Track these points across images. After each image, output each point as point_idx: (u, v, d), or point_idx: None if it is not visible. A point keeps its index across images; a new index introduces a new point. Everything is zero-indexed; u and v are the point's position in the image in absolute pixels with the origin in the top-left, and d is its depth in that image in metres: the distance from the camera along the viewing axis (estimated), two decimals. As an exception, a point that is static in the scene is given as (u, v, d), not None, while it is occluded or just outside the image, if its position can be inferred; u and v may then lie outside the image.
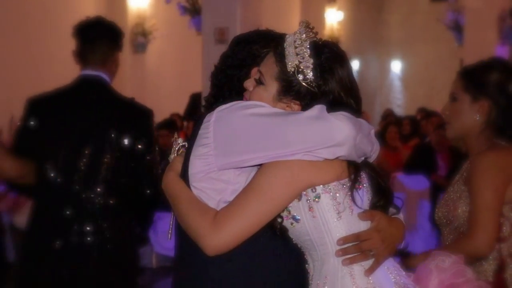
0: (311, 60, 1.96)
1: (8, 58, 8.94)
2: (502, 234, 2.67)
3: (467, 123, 2.77)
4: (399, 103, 14.97)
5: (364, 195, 1.97)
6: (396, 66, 15.41)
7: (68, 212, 3.32)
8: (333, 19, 13.57)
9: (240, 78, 2.12)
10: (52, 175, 3.40)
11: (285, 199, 1.92)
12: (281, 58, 1.99)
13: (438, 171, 7.57)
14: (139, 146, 3.39)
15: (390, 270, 1.98)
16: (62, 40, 9.83)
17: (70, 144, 3.41)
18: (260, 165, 1.94)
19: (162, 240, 6.66)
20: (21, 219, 7.55)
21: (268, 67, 2.02)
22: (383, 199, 2.00)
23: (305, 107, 1.95)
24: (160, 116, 5.71)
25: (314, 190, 1.92)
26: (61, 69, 9.62)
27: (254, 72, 2.07)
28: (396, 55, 15.32)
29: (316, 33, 2.03)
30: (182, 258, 2.09)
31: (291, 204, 1.94)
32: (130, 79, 10.67)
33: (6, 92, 8.90)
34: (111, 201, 3.34)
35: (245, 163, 1.93)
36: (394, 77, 15.41)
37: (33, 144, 3.45)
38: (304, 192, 1.92)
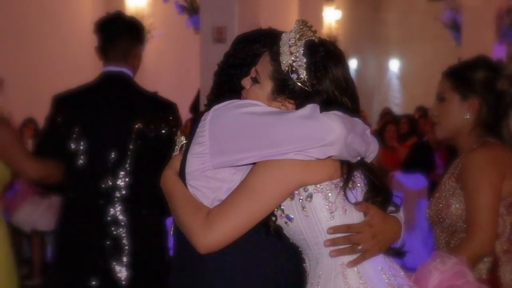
0: (305, 59, 1.96)
1: (7, 57, 8.93)
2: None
3: (457, 122, 2.77)
4: (397, 102, 14.97)
5: (358, 194, 1.97)
6: (394, 65, 15.41)
7: (100, 203, 3.45)
8: (331, 18, 13.55)
9: (240, 77, 2.12)
10: (80, 169, 3.49)
11: (276, 198, 1.92)
12: (275, 57, 2.00)
13: (436, 169, 7.58)
14: (163, 138, 3.46)
15: (384, 271, 1.97)
16: (60, 39, 9.83)
17: (97, 139, 3.50)
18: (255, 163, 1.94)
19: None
20: (19, 218, 7.55)
21: (263, 66, 2.03)
22: (379, 196, 1.99)
23: (299, 106, 1.96)
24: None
25: (306, 189, 1.92)
26: (60, 68, 9.62)
27: (253, 71, 2.08)
28: (394, 54, 15.31)
29: (315, 32, 2.03)
30: (180, 256, 2.10)
31: (284, 203, 1.94)
32: (128, 78, 10.67)
33: (4, 92, 8.88)
34: (137, 191, 3.44)
35: (239, 162, 1.94)
36: (392, 76, 15.41)
37: (60, 140, 3.52)
38: (297, 192, 1.92)
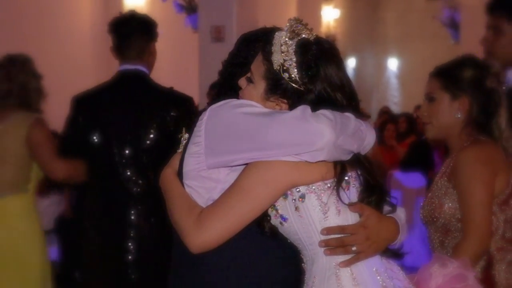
0: (295, 58, 1.94)
1: (5, 56, 8.91)
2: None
3: (448, 122, 2.78)
4: (396, 100, 14.96)
5: (354, 195, 1.95)
6: (393, 64, 15.40)
7: (121, 198, 3.53)
8: (330, 17, 13.55)
9: (241, 76, 2.12)
10: (100, 166, 3.62)
11: (267, 199, 1.92)
12: (268, 56, 1.98)
13: (435, 168, 7.57)
14: (180, 132, 3.56)
15: (379, 272, 1.96)
16: (59, 39, 9.82)
17: (115, 136, 3.60)
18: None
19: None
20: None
21: (257, 66, 2.02)
22: (374, 195, 1.98)
23: (292, 105, 1.94)
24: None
25: (298, 190, 1.91)
26: (58, 67, 9.61)
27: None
28: (392, 52, 15.30)
29: (311, 29, 2.01)
30: (178, 255, 2.10)
31: (278, 204, 1.94)
32: (126, 77, 10.66)
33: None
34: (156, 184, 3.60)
35: (232, 163, 1.93)
36: (390, 74, 15.40)
37: (81, 139, 3.65)
38: (289, 192, 1.92)
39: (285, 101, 1.97)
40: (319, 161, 1.88)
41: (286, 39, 1.97)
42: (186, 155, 2.03)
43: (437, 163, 7.65)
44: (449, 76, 2.78)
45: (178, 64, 10.67)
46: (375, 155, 2.08)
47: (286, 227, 1.96)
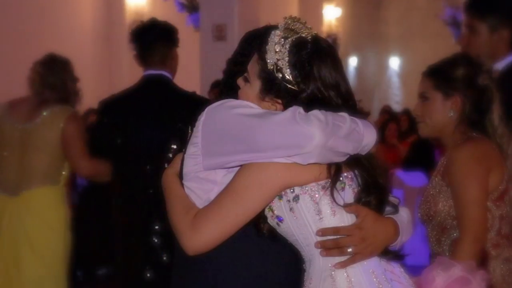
0: (288, 57, 1.91)
1: (6, 56, 8.92)
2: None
3: (442, 120, 2.79)
4: (398, 99, 14.95)
5: (349, 195, 1.92)
6: (395, 63, 15.39)
7: (143, 202, 3.63)
8: (331, 15, 13.54)
9: (241, 75, 2.09)
10: (125, 168, 3.78)
11: (260, 200, 1.90)
12: (262, 55, 1.95)
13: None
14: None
15: (375, 274, 1.93)
16: (60, 38, 9.82)
17: (140, 139, 3.75)
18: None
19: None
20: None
21: (252, 65, 2.00)
22: (372, 196, 1.94)
23: (286, 105, 1.92)
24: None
25: (292, 190, 1.89)
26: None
27: None
28: (394, 51, 15.29)
29: (310, 28, 1.98)
30: (178, 255, 2.08)
31: (274, 204, 1.92)
32: (128, 75, 10.65)
33: (4, 90, 8.88)
34: None
35: (227, 164, 1.92)
36: (392, 73, 15.39)
37: (107, 142, 3.87)
38: (284, 192, 1.90)
39: (280, 101, 1.95)
40: (311, 163, 1.86)
41: (281, 38, 1.94)
42: (186, 156, 2.02)
43: (438, 162, 7.65)
44: (441, 75, 2.79)
45: (179, 62, 10.65)
46: (376, 150, 2.04)
47: (283, 228, 1.94)
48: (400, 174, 7.56)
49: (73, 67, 4.32)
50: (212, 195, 1.94)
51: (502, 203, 2.70)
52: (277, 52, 1.92)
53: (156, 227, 3.72)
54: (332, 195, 1.89)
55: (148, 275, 3.77)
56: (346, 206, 1.90)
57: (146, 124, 3.79)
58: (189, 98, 3.85)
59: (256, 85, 1.98)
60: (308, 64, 1.92)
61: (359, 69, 14.80)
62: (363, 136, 1.92)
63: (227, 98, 2.01)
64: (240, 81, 2.05)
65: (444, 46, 13.19)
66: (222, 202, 1.90)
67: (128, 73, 10.61)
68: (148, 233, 3.74)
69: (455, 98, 2.74)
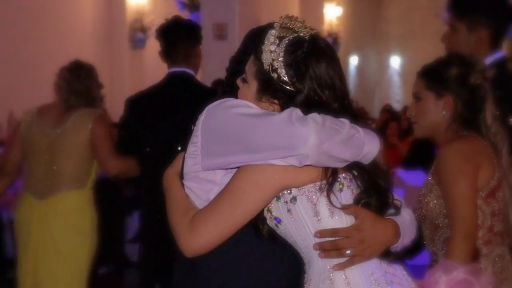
0: (284, 58, 1.88)
1: (6, 55, 8.92)
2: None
3: (434, 120, 2.80)
4: (398, 98, 14.96)
5: (348, 196, 1.90)
6: (395, 62, 15.40)
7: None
8: (332, 14, 13.54)
9: (241, 74, 2.06)
10: (149, 164, 3.89)
11: (257, 202, 1.88)
12: (258, 55, 1.92)
13: (437, 166, 7.56)
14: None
15: (374, 276, 1.90)
16: (61, 36, 9.82)
17: (164, 135, 3.88)
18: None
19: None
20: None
21: (249, 65, 1.97)
22: (372, 197, 1.92)
23: (283, 106, 1.89)
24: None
25: (289, 192, 1.88)
26: (59, 66, 9.59)
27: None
28: (395, 50, 15.30)
29: (309, 27, 1.94)
30: (179, 256, 2.05)
31: (272, 206, 1.90)
32: (129, 74, 10.66)
33: (5, 89, 8.88)
34: None
35: (226, 166, 1.90)
36: (393, 72, 15.40)
37: (134, 138, 4.06)
38: (281, 194, 1.88)
39: (276, 101, 1.92)
40: (306, 165, 1.83)
41: (276, 38, 1.90)
42: (186, 155, 2.00)
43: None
44: (433, 75, 2.80)
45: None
46: (379, 156, 2.00)
47: (281, 229, 1.93)
48: (400, 173, 7.56)
49: (97, 73, 4.47)
50: (212, 195, 1.92)
51: (493, 199, 2.70)
52: (272, 52, 1.89)
53: None
54: (328, 196, 1.86)
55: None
56: (344, 208, 1.88)
57: (169, 120, 3.92)
58: (210, 93, 3.92)
59: (253, 85, 1.95)
60: (304, 64, 1.88)
61: (360, 68, 14.80)
62: (364, 144, 1.89)
63: (229, 96, 1.99)
64: (238, 81, 2.02)
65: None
66: (220, 204, 1.88)
67: (129, 72, 10.61)
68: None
69: (447, 97, 2.76)
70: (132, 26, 10.72)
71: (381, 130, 8.44)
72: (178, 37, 4.17)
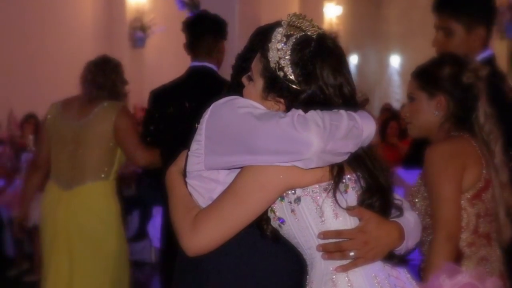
0: (290, 56, 1.86)
1: (6, 54, 8.92)
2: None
3: (427, 120, 2.81)
4: (398, 97, 14.95)
5: (353, 197, 1.88)
6: (395, 61, 15.39)
7: None
8: (332, 13, 13.54)
9: (246, 72, 2.04)
10: (175, 154, 3.92)
11: (260, 203, 1.87)
12: (265, 53, 1.91)
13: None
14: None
15: (378, 279, 1.89)
16: (60, 35, 9.82)
17: (184, 127, 3.88)
18: None
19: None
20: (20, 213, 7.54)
21: (256, 63, 1.95)
22: (376, 198, 1.90)
23: (289, 105, 1.88)
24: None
25: (294, 192, 1.86)
26: (60, 64, 9.60)
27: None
28: (395, 49, 15.29)
29: (317, 26, 1.93)
30: (182, 258, 2.05)
31: (276, 206, 1.89)
32: (129, 73, 10.64)
33: (5, 88, 8.88)
34: None
35: (228, 165, 1.89)
36: (393, 71, 15.40)
37: (158, 129, 4.13)
38: (285, 194, 1.86)
39: (282, 100, 1.90)
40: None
41: (283, 36, 1.89)
42: (189, 153, 1.99)
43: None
44: (425, 76, 2.81)
45: (180, 60, 10.65)
46: (378, 149, 1.99)
47: (285, 230, 1.91)
48: (400, 172, 7.56)
49: (123, 69, 4.57)
50: (215, 195, 1.91)
51: (479, 201, 2.70)
52: (279, 50, 1.87)
53: None
54: (334, 197, 1.85)
55: None
56: (349, 209, 1.86)
57: (188, 113, 3.92)
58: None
59: (259, 83, 1.93)
60: (311, 63, 1.87)
61: (360, 67, 14.80)
62: (362, 131, 1.88)
63: (235, 94, 1.98)
64: (244, 79, 2.00)
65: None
66: (223, 204, 1.86)
67: (129, 70, 10.60)
68: None
69: (439, 97, 2.76)
70: (132, 25, 10.72)
71: (381, 129, 8.43)
72: (203, 31, 4.21)
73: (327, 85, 1.88)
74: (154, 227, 6.67)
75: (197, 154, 1.94)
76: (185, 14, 9.37)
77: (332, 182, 1.86)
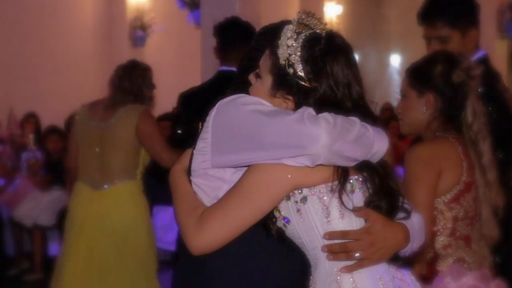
0: (301, 53, 1.87)
1: (6, 54, 8.92)
2: (436, 228, 2.67)
3: (416, 118, 2.83)
4: (398, 97, 14.96)
5: (359, 198, 1.88)
6: (395, 60, 15.38)
7: None
8: (332, 13, 13.54)
9: (253, 70, 2.04)
10: None
11: (267, 202, 1.86)
12: (274, 50, 1.91)
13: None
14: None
15: (383, 280, 1.88)
16: (61, 35, 9.82)
17: None
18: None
19: (161, 234, 6.66)
20: (21, 213, 7.55)
21: (264, 60, 1.95)
22: (383, 200, 1.89)
23: (298, 102, 1.88)
24: (158, 109, 5.74)
25: (300, 192, 1.86)
26: (61, 63, 9.60)
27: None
28: (395, 49, 15.28)
29: (325, 24, 1.93)
30: (184, 254, 2.05)
31: (281, 205, 1.88)
32: (129, 73, 10.64)
33: (5, 87, 8.88)
34: None
35: (235, 163, 1.88)
36: (393, 71, 15.38)
37: (185, 132, 4.22)
38: (292, 193, 1.86)
39: (291, 97, 1.90)
40: (319, 165, 1.82)
41: (293, 33, 1.89)
42: (195, 152, 1.98)
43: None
44: (416, 74, 2.83)
45: (180, 60, 10.66)
46: (388, 156, 1.97)
47: (290, 230, 1.91)
48: (400, 171, 7.56)
49: (152, 74, 4.68)
50: (220, 193, 1.90)
51: (458, 204, 2.70)
52: (289, 47, 1.87)
53: None
54: (340, 197, 1.84)
55: None
56: (355, 210, 1.86)
57: None
58: None
59: (267, 80, 1.93)
60: (321, 61, 1.87)
61: (360, 66, 14.78)
62: (373, 142, 1.88)
63: (239, 93, 1.97)
64: (251, 77, 2.00)
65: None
66: (229, 202, 1.86)
67: (129, 70, 10.60)
68: None
69: (428, 95, 2.78)
70: (132, 24, 10.71)
71: (381, 129, 8.44)
72: (234, 36, 4.29)
73: (337, 83, 1.88)
74: (155, 226, 6.65)
75: (203, 152, 1.93)
76: (185, 13, 9.38)
77: (339, 182, 1.85)
